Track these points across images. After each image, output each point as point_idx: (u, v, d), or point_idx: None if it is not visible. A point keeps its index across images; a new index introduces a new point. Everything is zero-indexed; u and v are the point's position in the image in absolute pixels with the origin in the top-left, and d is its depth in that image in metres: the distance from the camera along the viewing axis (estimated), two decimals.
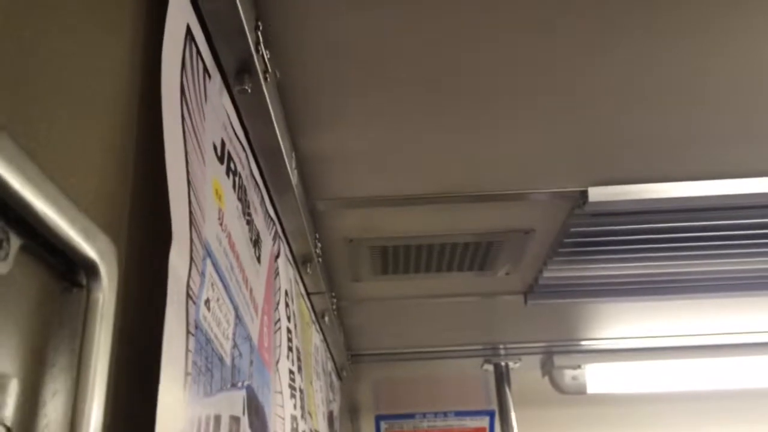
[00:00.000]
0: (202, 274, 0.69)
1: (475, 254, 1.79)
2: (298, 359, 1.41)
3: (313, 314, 1.80)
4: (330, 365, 2.18)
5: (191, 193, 0.67)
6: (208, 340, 0.69)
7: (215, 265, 0.75)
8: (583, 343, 2.62)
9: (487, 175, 1.42)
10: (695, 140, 1.31)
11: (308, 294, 1.74)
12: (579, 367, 2.71)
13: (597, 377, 2.72)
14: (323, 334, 2.00)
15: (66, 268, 0.50)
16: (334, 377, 2.29)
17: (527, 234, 1.67)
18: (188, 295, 0.62)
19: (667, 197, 1.42)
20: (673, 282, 1.90)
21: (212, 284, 0.73)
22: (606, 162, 1.38)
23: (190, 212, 0.66)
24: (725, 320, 2.37)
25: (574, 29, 1.02)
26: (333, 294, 1.98)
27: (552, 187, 1.47)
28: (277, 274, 1.24)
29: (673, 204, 1.45)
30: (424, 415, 3.27)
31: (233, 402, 0.79)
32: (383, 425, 3.28)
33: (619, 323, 2.41)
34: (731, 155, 1.35)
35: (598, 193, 1.44)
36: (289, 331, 1.30)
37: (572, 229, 1.60)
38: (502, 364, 2.71)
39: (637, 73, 1.12)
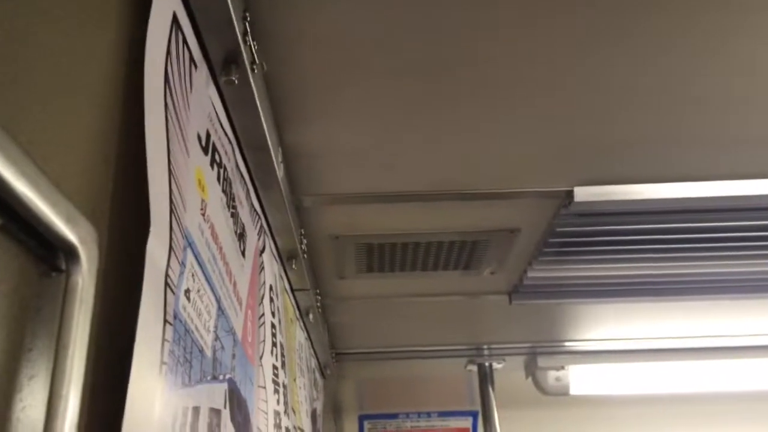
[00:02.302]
0: (182, 264, 0.68)
1: (461, 253, 1.79)
2: (282, 355, 1.40)
3: (297, 311, 1.79)
4: (314, 363, 2.17)
5: (172, 181, 0.66)
6: (188, 331, 0.68)
7: (196, 255, 0.74)
8: (567, 344, 2.63)
9: (474, 173, 1.42)
10: (681, 142, 1.31)
11: (293, 290, 1.73)
12: (562, 368, 2.72)
13: (580, 379, 2.72)
14: (307, 332, 1.99)
15: (46, 252, 0.49)
16: (317, 375, 2.28)
17: (513, 233, 1.67)
18: (167, 284, 0.62)
19: (652, 198, 1.43)
20: (658, 284, 1.91)
21: (193, 274, 0.72)
22: (592, 162, 1.38)
23: (171, 200, 0.65)
24: (709, 323, 2.39)
25: (562, 30, 1.03)
26: (318, 291, 1.97)
27: (538, 187, 1.47)
28: (262, 268, 1.23)
29: (659, 205, 1.46)
30: (407, 415, 3.28)
31: (214, 394, 0.79)
32: (366, 425, 3.28)
33: (604, 325, 2.42)
34: (716, 157, 1.36)
35: (584, 193, 1.44)
36: (273, 326, 1.30)
37: (558, 229, 1.60)
38: (486, 364, 2.71)
39: (623, 75, 1.13)
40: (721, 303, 2.13)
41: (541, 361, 2.68)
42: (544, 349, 2.65)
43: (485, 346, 2.66)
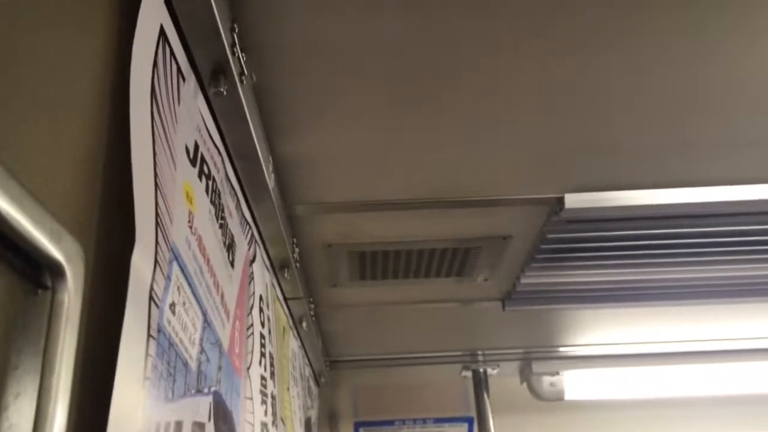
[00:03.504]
0: (168, 278, 0.68)
1: (453, 260, 1.79)
2: (271, 365, 1.40)
3: (290, 320, 1.79)
4: (308, 371, 2.17)
5: (158, 194, 0.67)
6: (172, 345, 0.68)
7: (183, 268, 0.75)
8: (561, 349, 2.64)
9: (464, 180, 1.42)
10: (671, 148, 1.32)
11: (286, 299, 1.73)
12: (557, 373, 2.72)
13: (575, 384, 2.73)
14: (301, 340, 1.99)
15: (31, 270, 0.49)
16: (312, 383, 2.28)
17: (505, 240, 1.68)
18: (151, 298, 0.62)
19: (642, 204, 1.43)
20: (650, 289, 1.92)
21: (178, 287, 0.72)
22: (582, 169, 1.39)
23: (157, 214, 0.65)
24: (702, 327, 2.40)
25: (553, 38, 1.03)
26: (311, 299, 1.97)
27: (529, 194, 1.47)
28: (252, 279, 1.23)
29: (649, 211, 1.46)
30: (403, 421, 3.27)
31: (198, 408, 0.78)
32: None
33: (597, 329, 2.43)
34: (705, 163, 1.37)
35: (574, 200, 1.45)
36: (262, 336, 1.30)
37: (549, 236, 1.61)
38: (481, 370, 2.71)
39: (613, 82, 1.13)
40: (712, 307, 2.14)
41: (536, 367, 2.69)
42: (538, 354, 2.65)
43: (480, 352, 2.66)
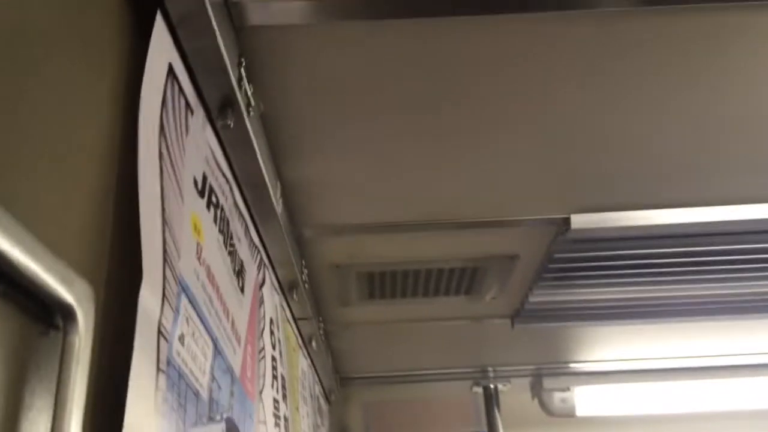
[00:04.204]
0: (176, 310, 0.70)
1: (461, 279, 1.80)
2: (283, 387, 1.42)
3: (300, 339, 1.81)
4: (318, 389, 2.18)
5: (166, 230, 0.69)
6: (182, 376, 0.70)
7: (191, 299, 0.76)
8: (571, 365, 2.63)
9: (471, 201, 1.44)
10: (674, 169, 1.33)
11: (295, 319, 1.75)
12: (568, 389, 2.72)
13: (586, 399, 2.72)
14: (311, 359, 2.00)
15: (43, 311, 0.51)
16: (322, 401, 2.29)
17: (512, 259, 1.69)
18: (160, 332, 0.64)
19: (647, 224, 1.44)
20: (657, 306, 1.92)
21: (187, 319, 0.74)
22: (588, 190, 1.40)
23: (164, 250, 0.67)
24: (711, 343, 2.39)
25: (557, 62, 1.04)
26: (320, 319, 1.99)
27: (535, 214, 1.49)
28: (262, 302, 1.25)
29: (653, 231, 1.47)
30: None
31: None
32: None
33: (607, 346, 2.42)
34: (709, 184, 1.38)
35: (580, 221, 1.46)
36: (273, 359, 1.31)
37: (556, 255, 1.62)
38: (491, 386, 2.71)
39: (617, 104, 1.14)
40: (720, 323, 2.14)
41: (547, 383, 2.69)
42: (548, 370, 2.65)
43: (490, 369, 2.66)
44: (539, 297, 1.87)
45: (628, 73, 1.07)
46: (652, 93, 1.12)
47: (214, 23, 0.81)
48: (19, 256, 0.45)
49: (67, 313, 0.51)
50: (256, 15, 0.91)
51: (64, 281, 0.50)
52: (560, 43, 1.00)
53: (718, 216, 1.42)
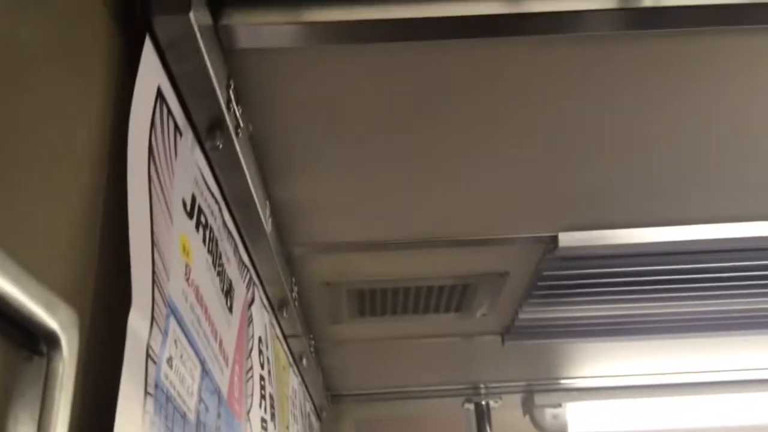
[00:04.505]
0: (165, 332, 0.70)
1: (451, 296, 1.81)
2: (272, 406, 1.41)
3: (290, 357, 1.81)
4: (308, 407, 2.18)
5: (155, 251, 0.69)
6: (169, 399, 0.70)
7: (179, 321, 0.77)
8: (562, 381, 2.64)
9: (460, 220, 1.44)
10: (661, 187, 1.34)
11: (285, 337, 1.75)
12: (559, 405, 2.72)
13: (578, 416, 2.72)
14: (301, 377, 2.00)
15: (26, 338, 0.51)
16: (313, 419, 2.28)
17: (501, 277, 1.70)
18: (148, 355, 0.64)
19: (635, 242, 1.45)
20: (645, 323, 1.93)
21: (175, 341, 0.74)
22: (576, 208, 1.41)
23: (153, 272, 0.68)
24: (700, 359, 2.40)
25: (545, 83, 1.05)
26: (311, 336, 1.99)
27: (524, 233, 1.49)
28: (251, 321, 1.25)
29: (641, 249, 1.48)
30: None
31: None
32: None
33: (598, 361, 2.43)
34: (696, 202, 1.39)
35: (568, 239, 1.47)
36: (262, 378, 1.31)
37: (545, 273, 1.62)
38: (483, 403, 2.71)
39: (604, 124, 1.15)
40: (707, 340, 2.15)
41: (538, 399, 2.69)
42: (540, 386, 2.65)
43: (482, 385, 2.66)
44: (529, 314, 1.88)
45: (615, 93, 1.08)
46: (640, 113, 1.13)
47: (202, 46, 0.82)
48: (1, 282, 0.45)
49: (50, 340, 0.51)
50: (245, 38, 0.92)
51: (48, 307, 0.50)
52: (547, 64, 1.02)
53: (705, 234, 1.44)
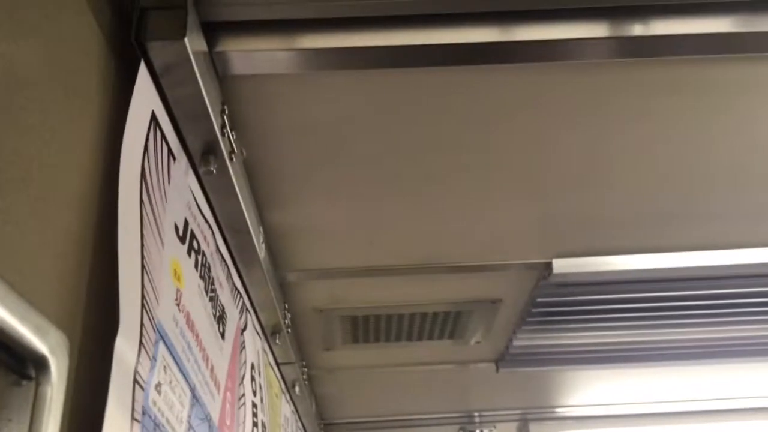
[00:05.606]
0: (153, 358, 0.69)
1: (445, 323, 1.80)
2: None
3: (283, 384, 1.79)
4: None
5: (145, 276, 0.69)
6: (157, 425, 0.69)
7: (169, 347, 0.76)
8: (558, 410, 2.62)
9: (454, 247, 1.44)
10: (652, 216, 1.35)
11: (278, 364, 1.73)
12: None
13: None
14: (294, 405, 1.98)
15: (16, 362, 0.51)
16: None
17: (495, 303, 1.69)
18: (135, 381, 0.63)
19: (628, 269, 1.46)
20: (640, 350, 1.93)
21: (165, 367, 0.73)
22: (569, 235, 1.41)
23: (143, 296, 0.67)
24: (696, 386, 2.39)
25: (539, 111, 1.06)
26: (304, 363, 1.97)
27: (517, 259, 1.49)
28: (243, 347, 1.24)
29: (634, 275, 1.49)
30: None
31: None
32: None
33: (594, 390, 2.42)
34: (687, 230, 1.40)
35: (562, 265, 1.47)
36: (254, 405, 1.30)
37: (539, 299, 1.62)
38: (478, 431, 2.69)
39: (598, 152, 1.16)
40: (702, 367, 2.15)
41: (533, 428, 2.67)
42: (535, 415, 2.63)
43: (476, 414, 2.64)
44: (523, 341, 1.87)
45: (609, 121, 1.09)
46: (632, 140, 1.14)
47: (197, 72, 0.83)
48: None
49: (39, 364, 0.51)
50: (239, 64, 0.92)
51: (37, 331, 0.50)
52: (541, 92, 1.03)
53: (698, 261, 1.44)
